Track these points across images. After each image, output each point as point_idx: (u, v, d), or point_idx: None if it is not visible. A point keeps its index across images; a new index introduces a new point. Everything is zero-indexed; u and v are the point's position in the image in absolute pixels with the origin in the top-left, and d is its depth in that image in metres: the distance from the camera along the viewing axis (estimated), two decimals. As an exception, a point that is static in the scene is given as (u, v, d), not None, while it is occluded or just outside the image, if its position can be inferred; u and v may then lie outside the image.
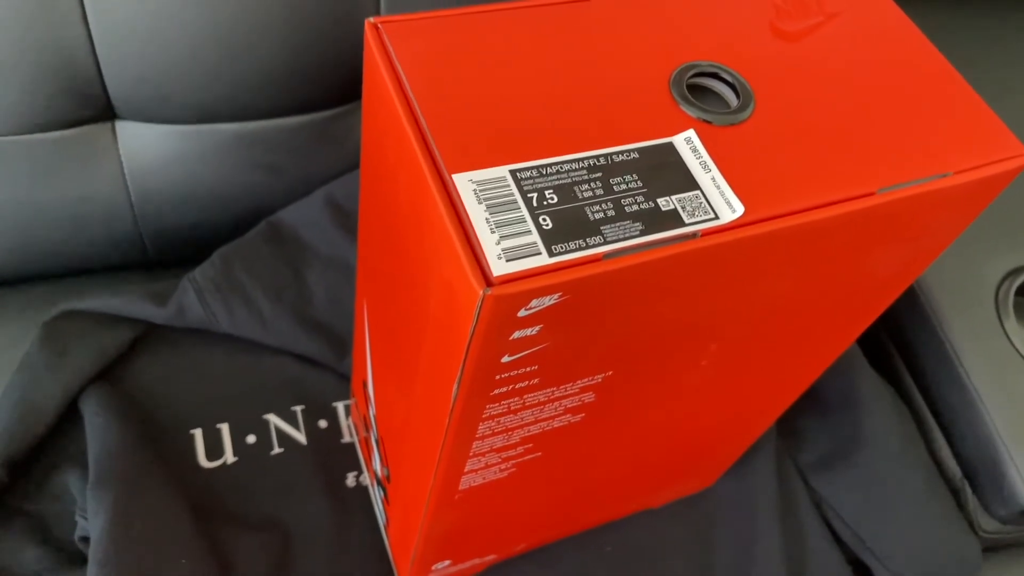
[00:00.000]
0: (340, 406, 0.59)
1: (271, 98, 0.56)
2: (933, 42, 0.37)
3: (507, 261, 0.26)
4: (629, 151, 0.29)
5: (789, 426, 0.62)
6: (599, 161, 0.29)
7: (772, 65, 0.34)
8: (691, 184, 0.29)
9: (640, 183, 0.29)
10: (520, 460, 0.39)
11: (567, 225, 0.27)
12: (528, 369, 0.31)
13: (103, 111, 0.54)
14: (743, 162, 0.30)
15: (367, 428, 0.52)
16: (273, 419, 0.57)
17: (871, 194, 0.31)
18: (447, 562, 0.50)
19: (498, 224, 0.27)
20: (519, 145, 0.29)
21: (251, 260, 0.59)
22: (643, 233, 0.28)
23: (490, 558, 0.53)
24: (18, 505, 0.50)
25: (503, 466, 0.39)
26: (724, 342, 0.36)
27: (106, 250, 0.61)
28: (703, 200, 0.29)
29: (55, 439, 0.53)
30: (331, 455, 0.56)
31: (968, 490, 0.59)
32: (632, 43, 0.33)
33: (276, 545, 0.52)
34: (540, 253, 0.26)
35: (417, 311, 0.33)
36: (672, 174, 0.29)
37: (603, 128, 0.30)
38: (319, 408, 0.58)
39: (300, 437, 0.56)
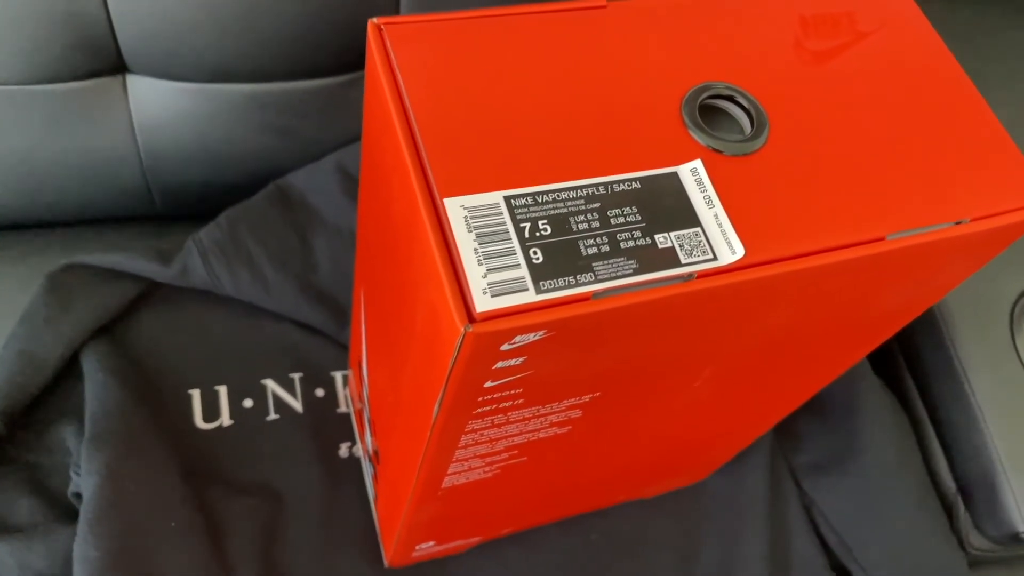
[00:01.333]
0: (338, 376, 0.59)
1: (285, 60, 0.55)
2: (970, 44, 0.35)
3: (492, 296, 0.25)
4: (631, 180, 0.28)
5: (786, 426, 0.62)
6: (598, 190, 0.28)
7: (791, 88, 0.32)
8: (692, 220, 0.28)
9: (639, 216, 0.28)
10: (505, 464, 0.39)
11: (558, 260, 0.26)
12: (512, 392, 0.30)
13: (114, 64, 0.53)
14: (749, 198, 0.29)
15: (362, 402, 0.52)
16: (271, 384, 0.57)
17: (881, 239, 0.29)
18: (431, 543, 0.51)
19: (486, 256, 0.26)
20: (516, 168, 0.28)
21: (258, 224, 0.58)
22: (636, 272, 0.27)
23: (475, 540, 0.54)
24: (15, 456, 0.51)
25: (487, 469, 0.39)
26: (719, 367, 0.36)
27: (115, 202, 0.61)
28: (703, 239, 0.28)
29: (54, 392, 0.53)
30: (326, 424, 0.57)
31: (961, 506, 0.59)
32: (646, 58, 0.32)
33: (266, 511, 0.53)
34: (527, 289, 0.26)
35: (406, 319, 0.33)
36: (673, 208, 0.28)
37: (606, 152, 0.29)
38: (317, 376, 0.58)
39: (296, 405, 0.57)
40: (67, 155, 0.57)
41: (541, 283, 0.26)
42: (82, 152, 0.57)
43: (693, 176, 0.29)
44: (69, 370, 0.54)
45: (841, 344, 0.39)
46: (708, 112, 0.31)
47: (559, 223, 0.27)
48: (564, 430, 0.37)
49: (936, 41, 0.35)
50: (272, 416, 0.56)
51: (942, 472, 0.60)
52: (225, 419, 0.56)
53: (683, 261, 0.27)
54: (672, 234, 0.28)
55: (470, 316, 0.25)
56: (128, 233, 0.63)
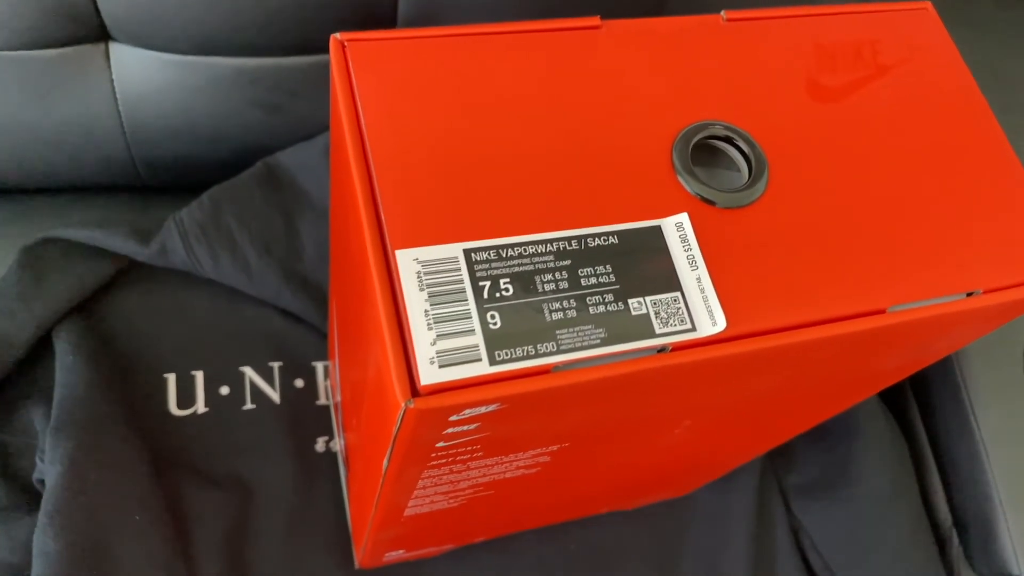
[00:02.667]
0: (320, 366, 0.57)
1: (275, 35, 0.52)
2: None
3: (440, 367, 0.23)
4: (607, 234, 0.26)
5: (780, 445, 0.59)
6: (570, 245, 0.25)
7: (797, 129, 0.29)
8: (672, 284, 0.25)
9: (612, 277, 0.25)
10: (471, 496, 0.37)
11: (518, 326, 0.24)
12: (469, 448, 0.28)
13: (96, 32, 0.51)
14: (738, 258, 0.26)
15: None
16: (249, 372, 0.55)
17: (881, 312, 0.27)
18: (401, 551, 0.49)
19: (438, 319, 0.23)
20: (480, 216, 0.25)
21: (242, 205, 0.56)
22: (604, 343, 0.24)
23: (447, 546, 0.52)
24: (-16, 433, 0.50)
25: (451, 500, 0.37)
26: (700, 419, 0.33)
27: (99, 172, 0.58)
28: (682, 306, 0.25)
29: (25, 370, 0.52)
30: (304, 417, 0.55)
31: (955, 540, 0.57)
32: (638, 89, 0.29)
33: (235, 504, 0.51)
34: (480, 360, 0.23)
35: (363, 353, 0.30)
36: (652, 268, 0.26)
37: (583, 200, 0.26)
38: (297, 366, 0.56)
39: (274, 395, 0.55)
40: (49, 123, 0.54)
41: (497, 353, 0.23)
42: (64, 121, 0.54)
43: (678, 231, 0.26)
44: (43, 347, 0.53)
45: (836, 395, 0.36)
46: (703, 153, 0.29)
47: (523, 282, 0.24)
48: (532, 471, 0.35)
49: (965, 78, 0.32)
50: (248, 405, 0.55)
51: (939, 503, 0.57)
52: (200, 406, 0.54)
53: (657, 331, 0.25)
54: (648, 299, 0.25)
55: (414, 388, 0.23)
56: (114, 203, 0.61)
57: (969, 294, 0.28)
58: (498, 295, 0.24)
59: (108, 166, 0.58)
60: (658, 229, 0.26)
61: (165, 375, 0.54)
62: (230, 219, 0.55)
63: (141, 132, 0.56)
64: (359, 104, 0.26)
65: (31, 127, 0.54)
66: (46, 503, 0.46)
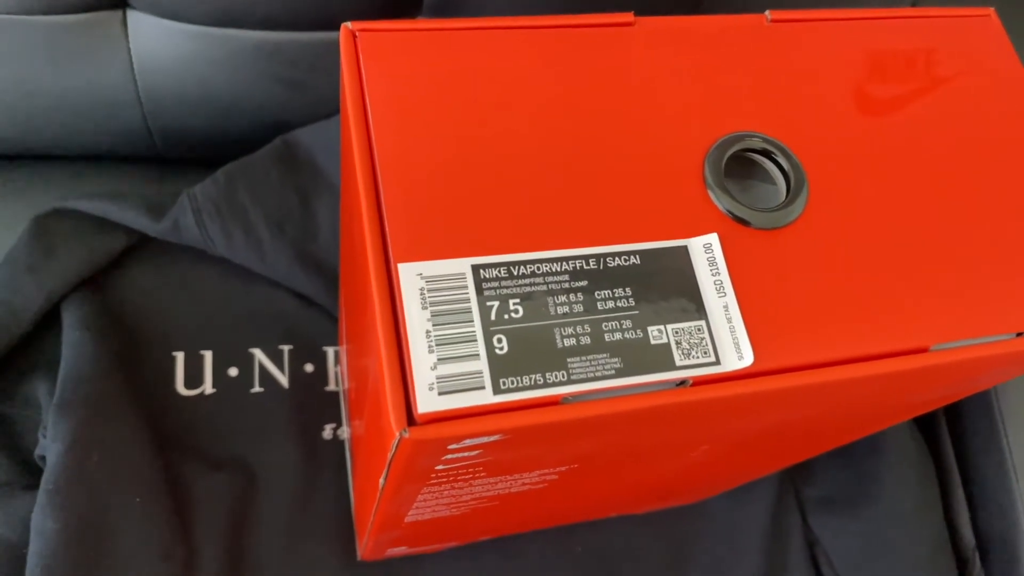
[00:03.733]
0: (330, 351, 0.56)
1: (296, 9, 0.50)
2: None
3: (440, 394, 0.21)
4: (628, 253, 0.24)
5: (801, 455, 0.57)
6: (587, 264, 0.23)
7: (841, 145, 0.27)
8: (696, 311, 0.24)
9: (632, 301, 0.23)
10: (475, 507, 0.36)
11: (527, 352, 0.22)
12: (471, 470, 0.27)
13: (113, -3, 0.49)
14: (770, 285, 0.24)
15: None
16: (258, 355, 0.54)
17: (923, 350, 0.25)
18: (403, 548, 0.48)
19: (440, 341, 0.22)
20: (491, 229, 0.23)
21: (258, 183, 0.54)
22: (619, 374, 0.22)
23: (450, 544, 0.51)
24: (-11, 405, 0.49)
25: (454, 510, 0.36)
26: (719, 445, 0.32)
27: (114, 141, 0.57)
28: (706, 336, 0.23)
29: (32, 343, 0.51)
30: (312, 402, 0.54)
31: (977, 563, 0.55)
32: (671, 93, 0.26)
33: (238, 489, 0.50)
34: (483, 388, 0.22)
35: (364, 364, 0.29)
36: (675, 293, 0.24)
37: (603, 214, 0.24)
38: (308, 350, 0.55)
39: (283, 379, 0.54)
40: (65, 90, 0.53)
41: (502, 381, 0.22)
42: (80, 88, 0.53)
43: (706, 253, 0.24)
44: (51, 321, 0.52)
45: (865, 424, 0.34)
46: (738, 167, 0.26)
47: (535, 304, 0.23)
48: (539, 487, 0.33)
49: (1029, 94, 0.29)
50: (257, 388, 0.54)
51: (962, 527, 0.55)
52: (208, 387, 0.53)
53: (678, 363, 0.23)
54: (670, 327, 0.23)
55: (410, 416, 0.21)
56: (130, 174, 0.59)
57: (1019, 334, 0.26)
58: (507, 317, 0.22)
59: (124, 136, 0.57)
60: (684, 250, 0.24)
61: (174, 353, 0.53)
62: (244, 197, 0.54)
63: (158, 103, 0.54)
64: (367, 100, 0.24)
65: (47, 93, 0.53)
66: (46, 481, 0.45)
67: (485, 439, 0.22)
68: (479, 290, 0.22)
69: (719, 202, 0.25)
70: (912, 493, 0.54)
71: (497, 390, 0.22)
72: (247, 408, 0.53)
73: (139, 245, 0.54)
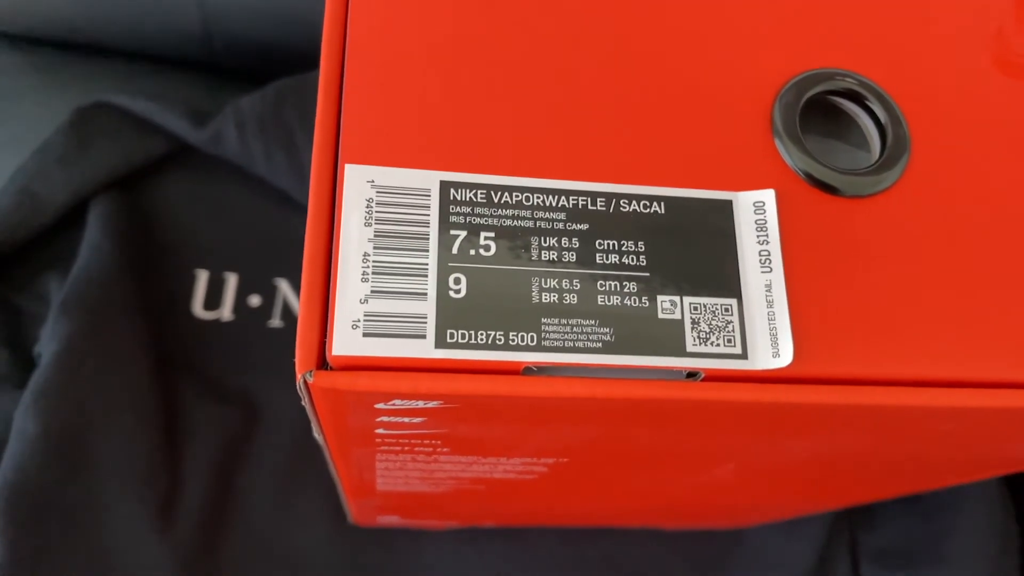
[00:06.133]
0: (359, 295, 0.52)
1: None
2: None
3: (364, 336, 0.16)
4: (650, 198, 0.18)
5: (864, 495, 0.50)
6: (593, 203, 0.18)
7: (960, 101, 0.20)
8: (728, 285, 0.18)
9: (643, 260, 0.18)
10: (458, 488, 0.31)
11: (491, 301, 0.17)
12: (428, 442, 0.22)
13: None
14: (834, 268, 0.18)
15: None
16: (283, 286, 0.51)
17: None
18: (395, 517, 0.44)
19: (379, 269, 0.17)
20: (476, 143, 0.18)
21: (308, 102, 0.50)
22: (607, 349, 0.17)
23: (451, 524, 0.47)
24: (2, 294, 0.47)
25: (432, 486, 0.31)
26: (749, 467, 0.26)
27: (168, 40, 0.54)
28: (734, 319, 0.17)
29: (57, 238, 0.49)
30: (331, 346, 0.50)
31: (1055, 658, 0.46)
32: (739, 11, 0.21)
33: (237, 425, 0.47)
34: (424, 336, 0.16)
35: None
36: (705, 257, 0.18)
37: (626, 147, 0.19)
38: (336, 290, 0.51)
39: (304, 316, 0.50)
40: (127, -21, 0.51)
41: (450, 332, 0.17)
42: (138, -20, 0.50)
43: (756, 214, 0.18)
44: (80, 218, 0.49)
45: (941, 471, 0.27)
46: (818, 114, 0.20)
47: (514, 243, 0.17)
48: (529, 478, 0.28)
49: None
50: (276, 322, 0.50)
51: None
52: (226, 312, 0.50)
53: (690, 348, 0.17)
54: (687, 300, 0.17)
55: (320, 357, 0.16)
56: (183, 82, 0.56)
57: None
58: (473, 253, 0.17)
59: (181, 37, 0.54)
60: (727, 204, 0.18)
61: (196, 271, 0.50)
62: (292, 116, 0.50)
63: (219, 5, 0.51)
64: (353, -38, 0.19)
65: (107, -19, 0.51)
66: (35, 381, 0.43)
67: (422, 404, 0.17)
68: (445, 214, 0.17)
69: (786, 154, 0.19)
70: (988, 559, 0.46)
71: (441, 343, 0.16)
72: (263, 341, 0.49)
73: (179, 154, 0.51)
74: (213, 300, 0.50)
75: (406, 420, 0.19)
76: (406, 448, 0.22)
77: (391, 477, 0.28)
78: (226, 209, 0.51)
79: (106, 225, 0.48)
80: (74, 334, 0.43)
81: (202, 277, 0.50)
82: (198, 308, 0.50)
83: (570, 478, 0.28)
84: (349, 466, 0.26)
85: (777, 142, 0.19)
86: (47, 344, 0.44)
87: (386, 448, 0.22)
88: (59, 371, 0.43)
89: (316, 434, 0.21)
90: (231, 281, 0.51)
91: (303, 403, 0.17)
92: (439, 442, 0.22)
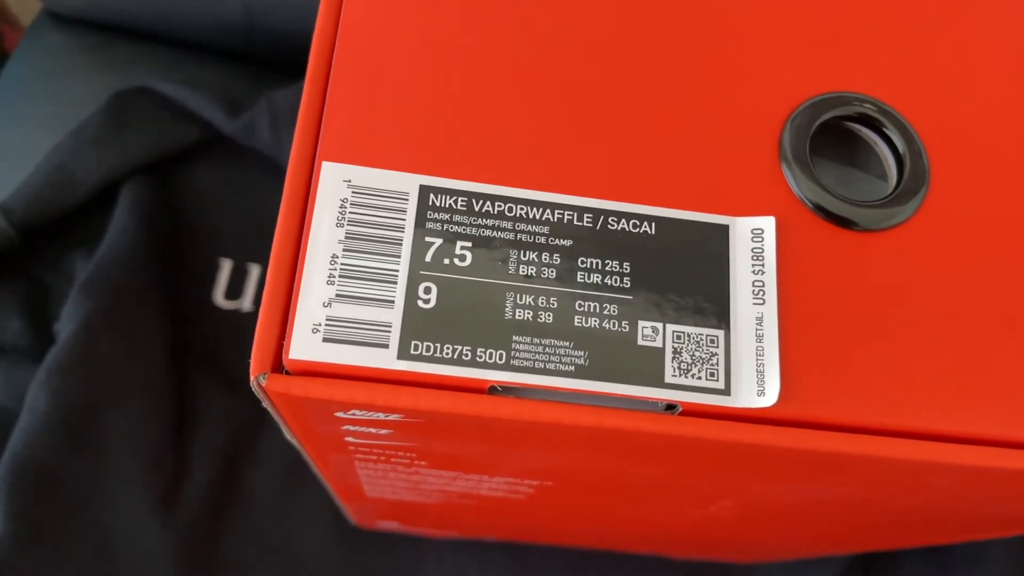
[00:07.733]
0: (380, 295, 0.51)
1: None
2: None
3: (324, 341, 0.16)
4: (639, 217, 0.17)
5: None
6: (579, 218, 0.17)
7: (984, 130, 0.19)
8: (716, 315, 0.17)
9: (627, 281, 0.17)
10: (448, 501, 0.30)
11: (461, 314, 0.16)
12: (403, 453, 0.21)
13: None
14: (833, 306, 0.17)
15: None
16: (305, 281, 0.51)
17: (1039, 447, 0.17)
18: (394, 523, 0.43)
19: (347, 272, 0.16)
20: (460, 149, 0.17)
21: (343, 100, 0.50)
22: (579, 373, 0.16)
23: (450, 534, 0.46)
24: (31, 269, 0.48)
25: (421, 497, 0.30)
26: (745, 506, 0.24)
27: (210, 29, 0.54)
28: (719, 351, 0.16)
29: (87, 217, 0.49)
30: (347, 345, 0.50)
31: None
32: (752, 30, 0.19)
33: (247, 416, 0.47)
34: (386, 346, 0.16)
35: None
36: (693, 283, 0.17)
37: (618, 163, 0.18)
38: (357, 289, 0.51)
39: (322, 313, 0.50)
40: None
41: (415, 344, 0.16)
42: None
43: (753, 241, 0.17)
44: (109, 199, 0.50)
45: (951, 527, 0.26)
46: (831, 141, 0.19)
47: (491, 254, 0.17)
48: (517, 498, 0.27)
49: None
50: (294, 316, 0.50)
51: None
52: (247, 302, 0.50)
53: (668, 378, 0.16)
54: (671, 328, 0.16)
55: (277, 360, 0.16)
56: (224, 72, 0.57)
57: None
58: (447, 262, 0.16)
59: (223, 27, 0.54)
60: (723, 230, 0.17)
61: (220, 259, 0.50)
62: (325, 112, 0.50)
63: (262, -2, 0.51)
64: (352, -45, 0.19)
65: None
66: (50, 358, 0.43)
67: (381, 415, 0.16)
68: (422, 219, 0.17)
69: (793, 180, 0.18)
70: (1011, 623, 0.43)
71: (404, 354, 0.16)
72: (280, 334, 0.49)
73: (211, 142, 0.52)
74: (235, 290, 0.50)
75: (372, 431, 0.18)
76: (382, 458, 0.22)
77: (376, 484, 0.27)
78: (254, 200, 0.52)
79: (135, 209, 0.48)
80: (93, 314, 0.44)
81: (226, 266, 0.51)
82: (219, 297, 0.50)
83: (561, 501, 0.27)
84: (330, 470, 0.25)
85: (784, 167, 0.18)
86: (66, 322, 0.44)
87: (362, 456, 0.22)
88: (74, 350, 0.43)
89: (288, 437, 0.20)
90: (254, 272, 0.51)
91: (264, 405, 0.17)
92: (414, 455, 0.21)
